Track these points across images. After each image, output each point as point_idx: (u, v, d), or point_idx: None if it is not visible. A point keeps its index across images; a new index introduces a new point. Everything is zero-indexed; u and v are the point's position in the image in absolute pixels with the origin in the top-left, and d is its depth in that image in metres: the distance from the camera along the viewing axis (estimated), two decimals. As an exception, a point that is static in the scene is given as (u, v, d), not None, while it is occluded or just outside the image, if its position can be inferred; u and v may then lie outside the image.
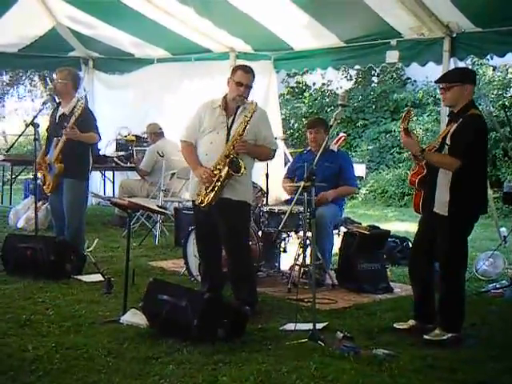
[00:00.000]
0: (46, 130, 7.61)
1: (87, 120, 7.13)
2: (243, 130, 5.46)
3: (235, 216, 5.57)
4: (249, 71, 5.70)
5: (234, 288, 5.78)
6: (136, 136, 10.96)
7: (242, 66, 5.93)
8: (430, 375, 4.28)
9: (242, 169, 5.41)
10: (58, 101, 7.56)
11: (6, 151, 11.44)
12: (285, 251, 7.05)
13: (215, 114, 5.69)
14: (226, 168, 5.41)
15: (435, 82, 5.48)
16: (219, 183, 5.44)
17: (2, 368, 4.11)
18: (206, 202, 5.51)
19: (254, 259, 6.14)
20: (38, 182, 7.55)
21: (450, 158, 4.91)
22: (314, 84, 19.76)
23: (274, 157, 5.98)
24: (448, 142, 4.96)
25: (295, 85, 20.17)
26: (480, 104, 5.49)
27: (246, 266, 5.77)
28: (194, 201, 5.78)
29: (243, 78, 5.63)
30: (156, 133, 10.10)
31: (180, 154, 5.98)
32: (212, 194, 5.47)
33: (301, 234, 6.74)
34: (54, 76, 23.27)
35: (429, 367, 4.41)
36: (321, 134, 7.14)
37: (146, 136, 10.65)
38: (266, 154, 5.82)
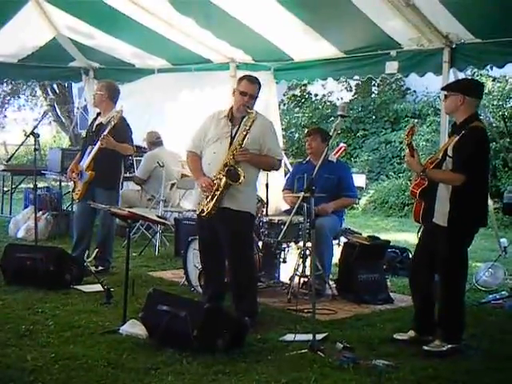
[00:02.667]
0: (83, 138, 7.75)
1: (123, 131, 7.35)
2: (243, 139, 5.47)
3: (236, 226, 5.56)
4: (254, 81, 5.71)
5: (235, 298, 5.76)
6: (136, 146, 10.94)
7: (248, 75, 5.92)
8: (430, 386, 4.28)
9: (241, 178, 5.40)
10: (97, 111, 7.78)
11: (7, 161, 11.46)
12: (285, 262, 7.04)
13: (220, 124, 5.71)
14: (224, 177, 5.42)
15: (441, 88, 5.54)
16: (218, 192, 5.45)
17: (1, 379, 4.10)
18: (206, 212, 5.53)
19: (255, 270, 6.10)
20: (41, 191, 7.61)
21: (452, 174, 4.91)
22: (316, 95, 19.79)
23: (279, 167, 5.99)
24: (450, 153, 4.96)
25: (299, 93, 20.19)
26: (480, 115, 5.49)
27: (248, 276, 5.74)
28: (196, 211, 5.80)
29: (247, 88, 5.64)
30: (153, 142, 10.10)
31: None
32: (211, 204, 5.48)
33: (301, 244, 6.73)
34: (56, 86, 23.22)
35: (429, 378, 4.40)
36: (317, 141, 7.18)
37: (145, 145, 10.63)
38: (269, 163, 5.80)
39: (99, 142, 7.14)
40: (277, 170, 6.09)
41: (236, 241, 5.62)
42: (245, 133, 5.47)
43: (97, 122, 7.58)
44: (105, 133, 7.10)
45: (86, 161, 7.30)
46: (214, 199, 5.47)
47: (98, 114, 7.70)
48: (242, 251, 5.68)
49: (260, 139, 5.63)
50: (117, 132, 7.16)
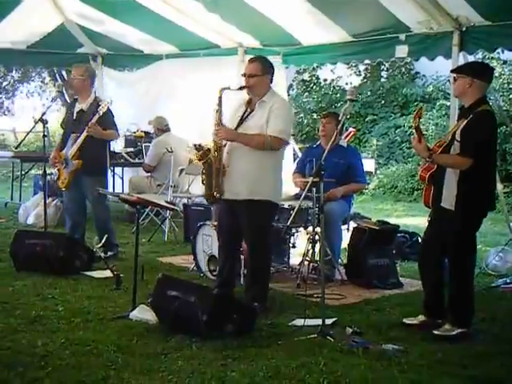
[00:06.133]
0: (61, 124, 7.69)
1: (108, 117, 7.26)
2: (219, 117, 5.48)
3: (252, 214, 5.51)
4: (252, 60, 5.68)
5: (247, 284, 5.77)
6: (145, 132, 10.96)
7: (252, 57, 5.91)
8: (440, 370, 4.27)
9: (210, 154, 5.46)
10: (74, 97, 7.67)
11: (16, 148, 11.48)
12: (294, 247, 7.04)
13: (240, 110, 5.70)
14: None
15: (450, 71, 5.51)
16: (204, 176, 5.56)
17: (12, 364, 4.12)
18: (204, 196, 5.70)
19: (271, 258, 6.03)
20: (50, 177, 7.55)
21: (460, 158, 4.88)
22: (325, 80, 19.67)
23: (278, 145, 5.52)
24: (458, 137, 4.93)
25: (308, 78, 20.08)
26: (490, 98, 5.47)
27: (262, 264, 5.71)
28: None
29: (245, 69, 5.65)
30: (161, 128, 10.07)
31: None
32: (205, 187, 5.59)
33: (310, 229, 6.73)
34: (64, 72, 23.08)
35: (438, 362, 4.40)
36: (331, 124, 7.12)
37: (152, 130, 10.59)
38: (258, 141, 5.43)
39: (85, 131, 7.06)
40: (275, 149, 5.54)
41: (252, 229, 5.57)
42: (215, 110, 5.49)
43: (77, 109, 7.41)
44: (92, 122, 7.01)
45: (72, 149, 7.19)
46: (204, 182, 5.58)
47: (75, 100, 7.57)
48: (258, 239, 5.62)
49: (267, 118, 5.51)
50: (102, 119, 7.09)
